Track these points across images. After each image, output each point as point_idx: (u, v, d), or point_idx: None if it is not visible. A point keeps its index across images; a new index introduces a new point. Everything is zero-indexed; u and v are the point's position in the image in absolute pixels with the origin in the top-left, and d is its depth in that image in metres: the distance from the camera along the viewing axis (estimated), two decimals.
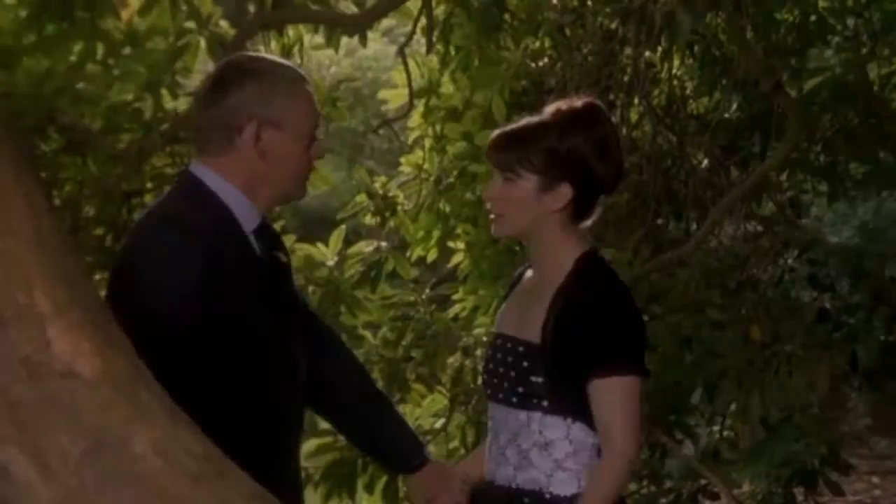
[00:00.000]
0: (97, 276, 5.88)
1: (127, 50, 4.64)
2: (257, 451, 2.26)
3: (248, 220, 2.68)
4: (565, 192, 2.84)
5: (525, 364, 2.82)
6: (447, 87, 6.06)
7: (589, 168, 2.84)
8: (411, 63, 5.96)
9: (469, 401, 5.58)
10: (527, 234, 2.93)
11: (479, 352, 5.50)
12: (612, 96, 6.00)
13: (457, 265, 6.18)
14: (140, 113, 4.26)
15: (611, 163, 2.87)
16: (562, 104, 2.90)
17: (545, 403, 2.81)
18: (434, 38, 5.60)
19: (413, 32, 5.68)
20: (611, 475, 2.77)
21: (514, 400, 2.85)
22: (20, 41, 4.44)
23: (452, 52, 5.99)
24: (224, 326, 2.55)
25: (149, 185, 4.45)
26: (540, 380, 2.80)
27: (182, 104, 4.59)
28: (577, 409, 2.79)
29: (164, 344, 2.31)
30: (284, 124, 2.66)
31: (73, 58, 4.67)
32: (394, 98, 6.22)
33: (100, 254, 4.87)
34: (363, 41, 5.40)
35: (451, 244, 6.16)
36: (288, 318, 2.76)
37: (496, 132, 2.95)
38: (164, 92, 4.47)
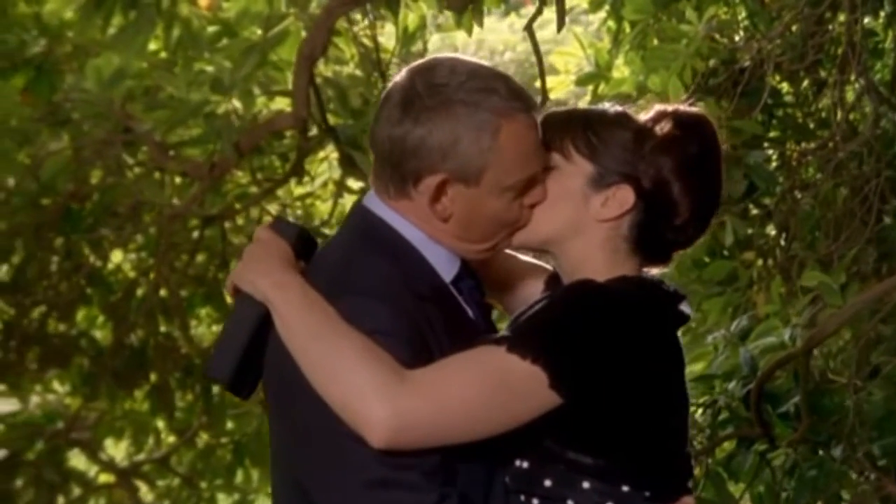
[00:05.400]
0: (202, 311, 5.19)
1: (224, 41, 3.87)
2: None
3: (445, 267, 2.07)
4: (624, 195, 2.05)
5: None
6: (620, 71, 5.15)
7: (666, 189, 2.06)
8: (575, 45, 5.08)
9: None
10: (557, 248, 2.10)
11: None
12: (822, 73, 5.30)
13: None
14: (213, 118, 3.39)
15: (696, 203, 2.10)
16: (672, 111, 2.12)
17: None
18: (566, 11, 4.58)
19: (542, 6, 4.66)
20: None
21: None
22: (86, 35, 3.70)
23: (627, 28, 5.09)
24: None
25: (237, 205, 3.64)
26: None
27: (279, 104, 3.76)
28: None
29: None
30: (481, 178, 1.98)
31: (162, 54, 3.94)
32: (557, 86, 5.34)
33: (199, 285, 4.15)
34: (479, 19, 4.52)
35: None
36: None
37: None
38: (255, 91, 3.64)
